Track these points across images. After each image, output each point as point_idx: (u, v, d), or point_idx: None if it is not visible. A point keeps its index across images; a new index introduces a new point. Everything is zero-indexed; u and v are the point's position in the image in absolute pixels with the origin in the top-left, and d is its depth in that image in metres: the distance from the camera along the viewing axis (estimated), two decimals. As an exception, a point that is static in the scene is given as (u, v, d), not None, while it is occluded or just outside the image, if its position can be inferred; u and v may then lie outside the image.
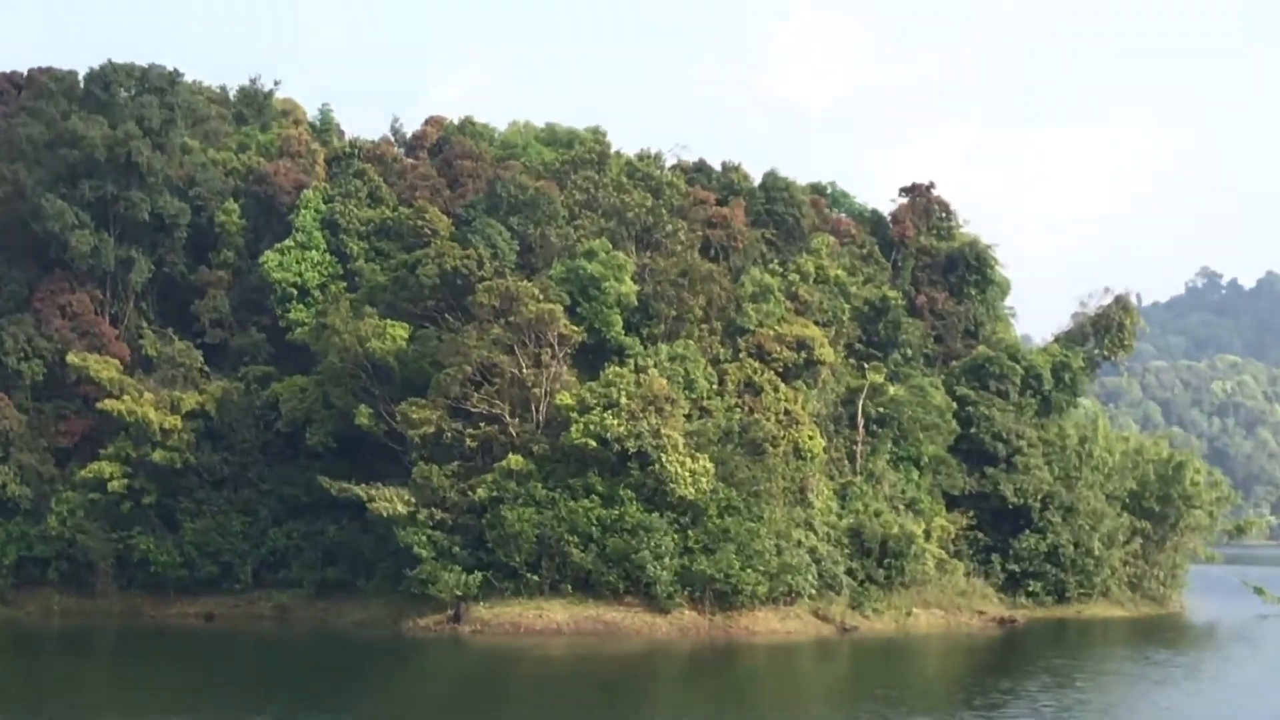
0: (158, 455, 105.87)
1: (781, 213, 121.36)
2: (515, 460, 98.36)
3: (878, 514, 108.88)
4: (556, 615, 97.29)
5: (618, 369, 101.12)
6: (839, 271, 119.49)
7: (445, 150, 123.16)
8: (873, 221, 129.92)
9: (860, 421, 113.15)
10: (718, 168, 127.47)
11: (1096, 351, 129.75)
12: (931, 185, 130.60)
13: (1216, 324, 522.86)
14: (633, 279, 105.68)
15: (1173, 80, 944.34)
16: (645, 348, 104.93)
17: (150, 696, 68.76)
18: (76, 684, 74.58)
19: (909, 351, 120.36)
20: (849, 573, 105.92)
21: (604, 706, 66.58)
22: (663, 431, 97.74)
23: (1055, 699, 69.01)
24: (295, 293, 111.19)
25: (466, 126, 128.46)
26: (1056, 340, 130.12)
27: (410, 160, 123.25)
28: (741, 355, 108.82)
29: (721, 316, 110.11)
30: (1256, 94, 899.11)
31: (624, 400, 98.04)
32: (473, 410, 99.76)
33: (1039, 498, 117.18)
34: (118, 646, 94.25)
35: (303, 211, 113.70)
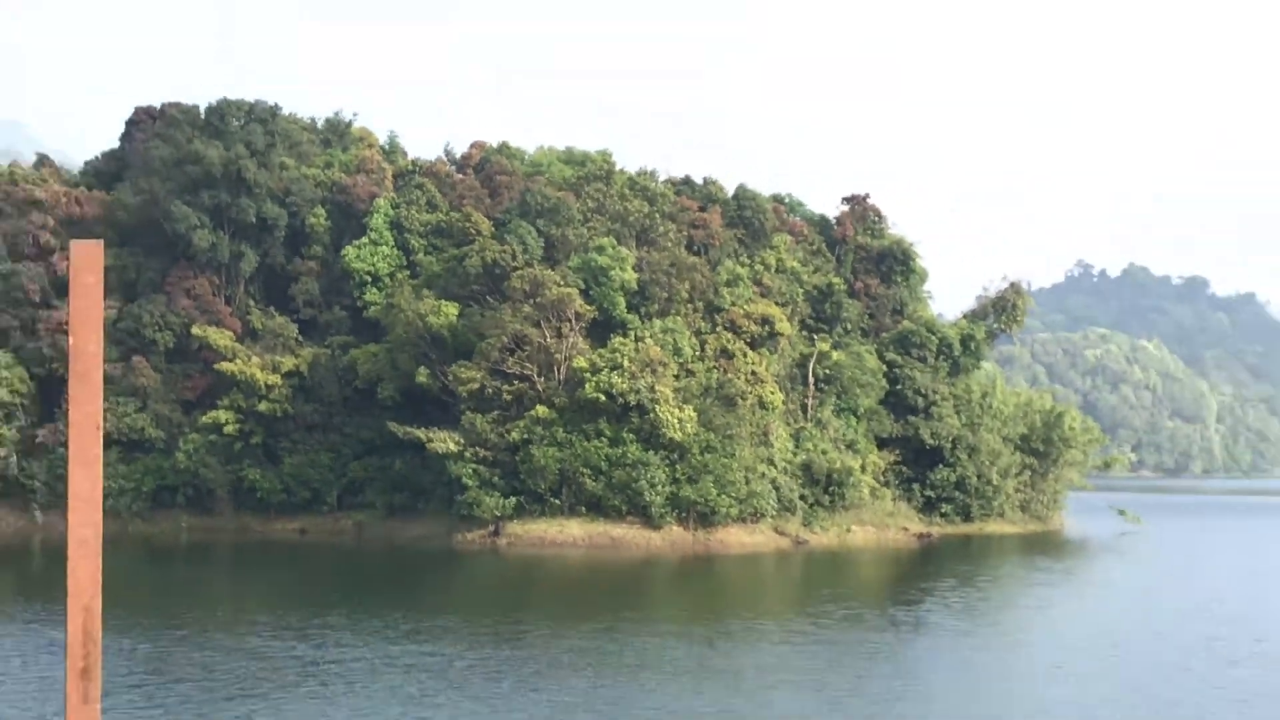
0: (263, 406, 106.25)
1: (749, 217, 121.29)
2: (541, 410, 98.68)
3: (824, 452, 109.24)
4: (573, 531, 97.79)
5: (621, 339, 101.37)
6: (794, 263, 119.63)
7: (486, 168, 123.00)
8: (820, 224, 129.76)
9: (810, 380, 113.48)
10: (700, 181, 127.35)
11: (995, 325, 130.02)
12: (867, 195, 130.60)
13: (1089, 304, 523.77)
14: (633, 269, 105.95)
15: (1062, 115, 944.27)
16: (642, 322, 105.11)
17: (257, 593, 69.10)
18: (199, 585, 74.86)
19: (848, 326, 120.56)
20: (801, 498, 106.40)
21: (611, 602, 66.83)
22: (656, 388, 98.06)
23: (962, 597, 69.38)
24: (369, 279, 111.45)
25: (503, 149, 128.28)
26: (964, 317, 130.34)
27: (459, 175, 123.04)
28: (718, 328, 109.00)
29: (702, 298, 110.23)
30: (1121, 128, 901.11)
31: (626, 363, 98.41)
32: (508, 371, 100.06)
33: (950, 439, 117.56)
34: (232, 556, 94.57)
35: (375, 216, 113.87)
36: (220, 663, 44.40)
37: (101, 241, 7.15)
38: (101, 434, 6.73)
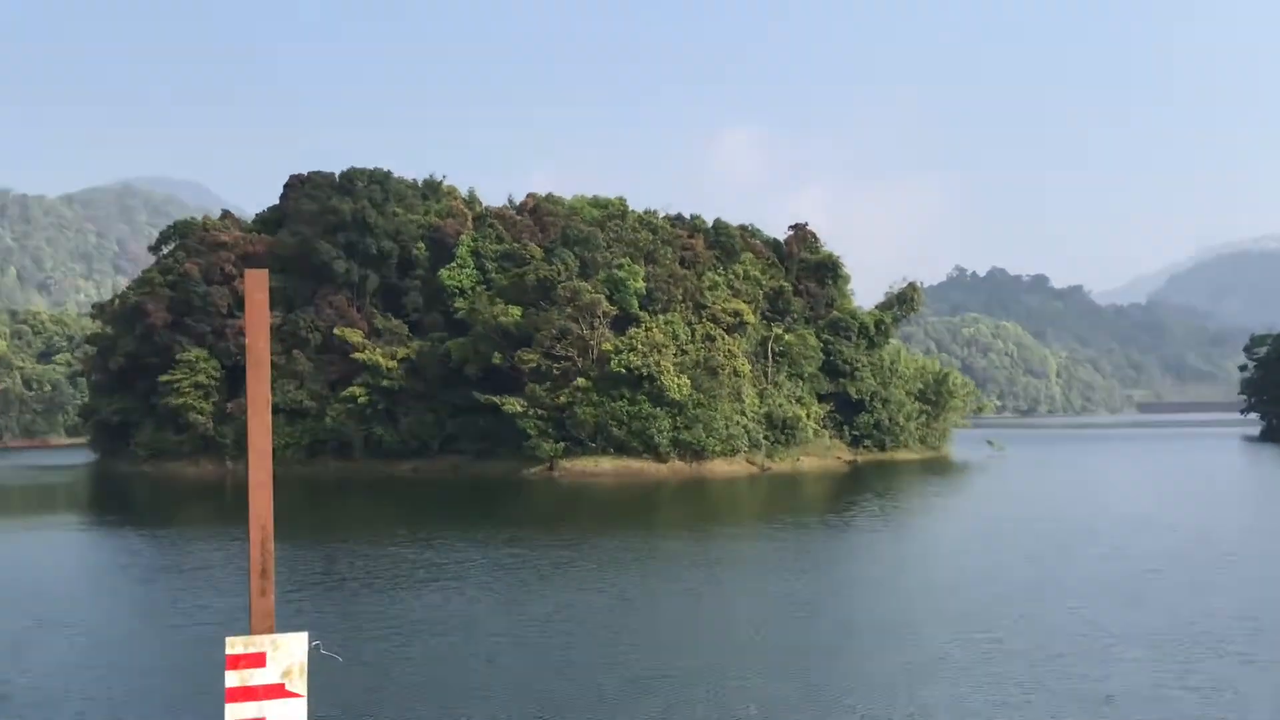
0: (385, 382, 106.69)
1: (724, 241, 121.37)
2: (581, 381, 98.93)
3: (780, 405, 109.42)
4: (605, 465, 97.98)
5: (635, 329, 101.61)
6: (756, 273, 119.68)
7: (537, 211, 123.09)
8: (774, 245, 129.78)
9: (769, 355, 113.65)
10: (688, 216, 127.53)
11: (899, 313, 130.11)
12: (806, 224, 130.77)
13: (964, 297, 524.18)
14: (642, 280, 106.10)
15: (940, 160, 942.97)
16: (650, 317, 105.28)
17: (383, 513, 69.18)
18: (341, 509, 75.01)
19: (795, 316, 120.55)
20: (765, 437, 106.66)
21: (634, 511, 67.01)
22: (661, 363, 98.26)
23: (879, 505, 69.34)
24: (458, 292, 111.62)
25: (549, 198, 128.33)
26: (876, 307, 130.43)
27: (518, 216, 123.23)
28: (703, 320, 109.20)
29: (691, 299, 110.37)
30: (990, 171, 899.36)
31: (639, 346, 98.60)
32: (556, 354, 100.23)
33: (869, 394, 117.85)
34: (365, 489, 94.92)
35: (461, 247, 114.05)
36: (370, 565, 44.48)
37: (267, 270, 7.09)
38: (270, 405, 6.66)
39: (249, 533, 6.38)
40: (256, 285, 6.55)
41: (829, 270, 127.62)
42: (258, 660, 6.11)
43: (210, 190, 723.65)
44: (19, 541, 54.35)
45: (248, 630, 6.47)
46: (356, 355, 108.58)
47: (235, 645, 6.31)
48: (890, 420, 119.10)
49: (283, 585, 38.79)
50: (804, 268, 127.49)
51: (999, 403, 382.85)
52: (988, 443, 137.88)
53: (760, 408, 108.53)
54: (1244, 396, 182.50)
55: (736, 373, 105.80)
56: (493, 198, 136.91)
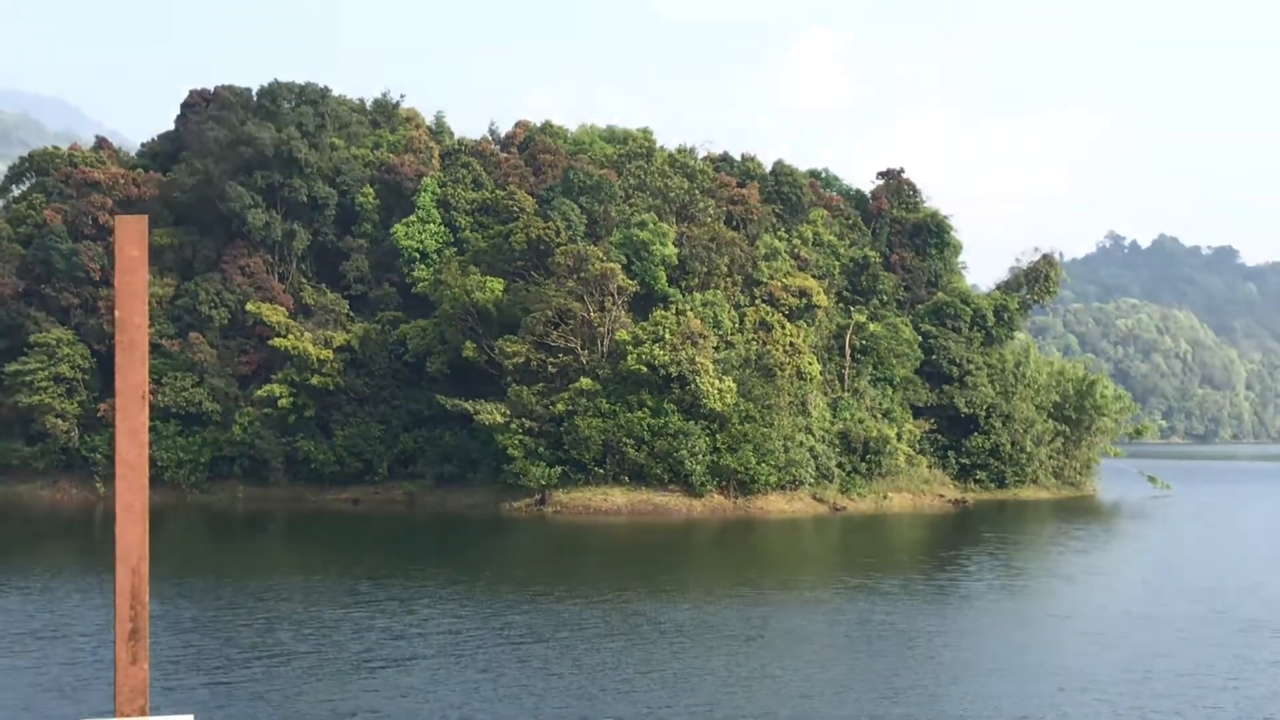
0: (315, 380, 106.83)
1: (786, 192, 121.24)
2: (585, 382, 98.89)
3: (861, 421, 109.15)
4: (617, 499, 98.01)
5: (662, 312, 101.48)
6: (831, 237, 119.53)
7: (530, 147, 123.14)
8: (856, 198, 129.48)
9: (847, 351, 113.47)
10: (738, 158, 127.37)
11: (1028, 296, 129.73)
12: (902, 170, 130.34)
13: (1120, 275, 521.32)
14: (674, 244, 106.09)
15: (1085, 89, 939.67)
16: (683, 296, 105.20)
17: (310, 561, 69.45)
18: (255, 553, 75.34)
19: (884, 298, 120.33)
20: (839, 466, 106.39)
21: (654, 566, 67.03)
22: (697, 359, 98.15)
23: (995, 563, 69.08)
24: (418, 256, 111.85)
25: (546, 128, 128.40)
26: (998, 288, 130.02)
27: (504, 154, 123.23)
28: (757, 301, 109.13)
29: (741, 272, 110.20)
30: (1149, 99, 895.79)
31: (667, 336, 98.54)
32: (553, 344, 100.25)
33: (984, 408, 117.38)
34: (286, 525, 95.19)
35: (423, 194, 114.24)
36: (324, 635, 44.48)
37: (146, 216, 7.12)
38: (147, 403, 6.70)
39: (116, 580, 6.41)
40: (130, 237, 6.61)
41: (932, 235, 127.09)
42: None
43: (80, 110, 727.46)
44: None
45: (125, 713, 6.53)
46: (277, 341, 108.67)
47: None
48: (1014, 445, 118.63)
49: (205, 664, 39.04)
50: (898, 231, 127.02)
51: (1165, 423, 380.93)
52: (1148, 480, 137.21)
53: (833, 424, 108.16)
54: None
55: (801, 375, 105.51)
56: (468, 126, 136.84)
